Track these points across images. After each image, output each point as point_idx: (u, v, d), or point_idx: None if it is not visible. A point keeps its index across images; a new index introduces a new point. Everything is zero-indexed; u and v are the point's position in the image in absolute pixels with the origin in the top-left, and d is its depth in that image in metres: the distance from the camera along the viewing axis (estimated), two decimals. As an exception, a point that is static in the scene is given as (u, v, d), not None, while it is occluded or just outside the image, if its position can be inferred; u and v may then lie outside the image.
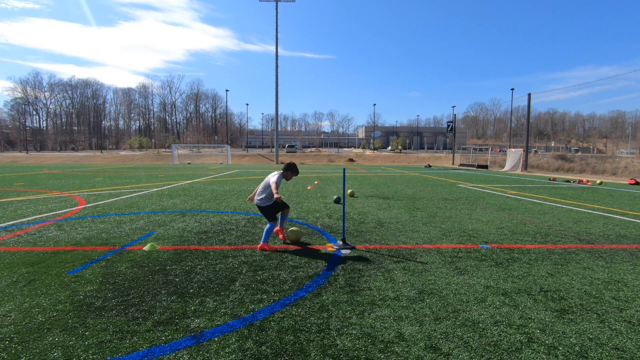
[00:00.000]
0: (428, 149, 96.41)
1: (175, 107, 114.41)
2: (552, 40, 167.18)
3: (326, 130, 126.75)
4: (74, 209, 8.03)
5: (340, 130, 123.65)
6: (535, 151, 54.86)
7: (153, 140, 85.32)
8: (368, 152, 72.46)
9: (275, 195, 4.63)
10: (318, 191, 12.14)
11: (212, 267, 4.04)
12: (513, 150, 33.51)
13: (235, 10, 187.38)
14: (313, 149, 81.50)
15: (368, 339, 2.52)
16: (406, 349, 2.40)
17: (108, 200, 9.37)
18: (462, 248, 5.00)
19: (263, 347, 2.41)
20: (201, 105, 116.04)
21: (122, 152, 70.05)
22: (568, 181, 19.06)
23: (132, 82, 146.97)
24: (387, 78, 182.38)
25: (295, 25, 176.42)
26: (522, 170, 29.69)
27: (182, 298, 3.20)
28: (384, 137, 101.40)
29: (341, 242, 5.05)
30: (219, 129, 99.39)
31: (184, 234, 5.69)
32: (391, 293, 3.35)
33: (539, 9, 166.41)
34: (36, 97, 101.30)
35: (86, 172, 23.19)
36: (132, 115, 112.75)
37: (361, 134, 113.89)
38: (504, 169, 32.30)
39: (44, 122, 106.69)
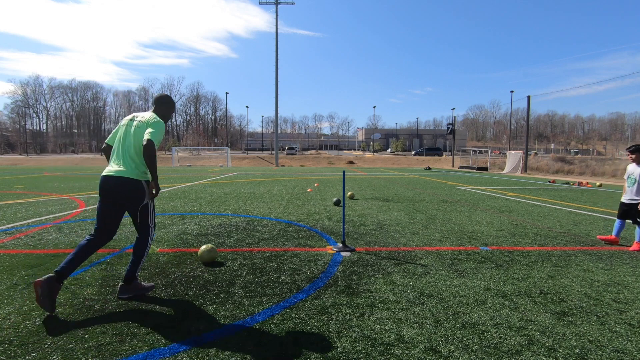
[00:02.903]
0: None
1: (175, 110, 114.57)
2: (552, 41, 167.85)
3: (326, 133, 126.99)
4: (74, 211, 8.02)
5: (340, 132, 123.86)
6: (535, 153, 54.82)
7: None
8: (368, 154, 72.51)
9: None
10: (318, 193, 12.14)
11: (212, 270, 4.04)
12: (513, 152, 33.52)
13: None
14: (313, 152, 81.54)
15: (368, 342, 2.52)
16: (406, 352, 2.40)
17: (108, 203, 9.35)
18: (462, 250, 5.00)
19: (263, 349, 2.41)
20: (201, 108, 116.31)
21: (122, 155, 69.87)
22: (568, 183, 19.07)
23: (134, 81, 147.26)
24: (388, 78, 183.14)
25: (295, 25, 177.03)
26: (521, 173, 29.69)
27: (182, 300, 3.19)
28: (384, 139, 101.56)
29: (341, 245, 5.05)
30: (219, 132, 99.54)
31: (184, 236, 5.68)
32: (391, 295, 3.35)
33: (539, 9, 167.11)
34: (36, 100, 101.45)
35: (86, 174, 23.17)
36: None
37: (361, 136, 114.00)
38: (503, 171, 32.31)
39: (44, 125, 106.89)
